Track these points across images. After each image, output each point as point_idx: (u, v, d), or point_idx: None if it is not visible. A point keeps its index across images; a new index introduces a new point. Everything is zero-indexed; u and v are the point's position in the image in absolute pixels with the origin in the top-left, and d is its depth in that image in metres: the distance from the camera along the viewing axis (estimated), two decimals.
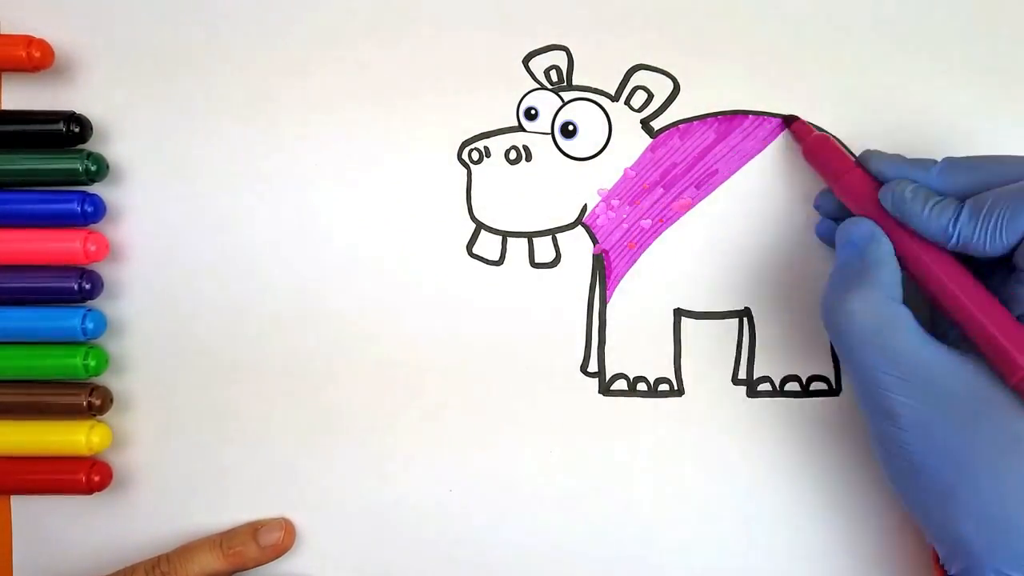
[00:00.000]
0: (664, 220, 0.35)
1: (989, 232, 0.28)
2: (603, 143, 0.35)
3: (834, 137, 0.34)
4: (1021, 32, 0.35)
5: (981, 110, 0.35)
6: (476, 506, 0.37)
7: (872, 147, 0.34)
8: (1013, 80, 0.35)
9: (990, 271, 0.30)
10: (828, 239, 0.34)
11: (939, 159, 0.31)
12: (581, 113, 0.35)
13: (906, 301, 0.30)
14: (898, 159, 0.31)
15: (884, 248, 0.30)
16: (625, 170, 0.35)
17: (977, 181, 0.29)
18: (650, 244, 0.36)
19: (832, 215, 0.34)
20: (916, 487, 0.29)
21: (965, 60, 0.35)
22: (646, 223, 0.35)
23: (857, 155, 0.33)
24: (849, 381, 0.35)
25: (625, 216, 0.36)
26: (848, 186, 0.32)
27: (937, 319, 0.32)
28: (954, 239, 0.28)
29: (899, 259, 0.30)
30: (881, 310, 0.29)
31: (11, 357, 0.35)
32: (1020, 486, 0.27)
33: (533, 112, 0.35)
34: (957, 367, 0.28)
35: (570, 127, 0.35)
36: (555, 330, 0.36)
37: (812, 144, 0.34)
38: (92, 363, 0.35)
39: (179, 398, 0.37)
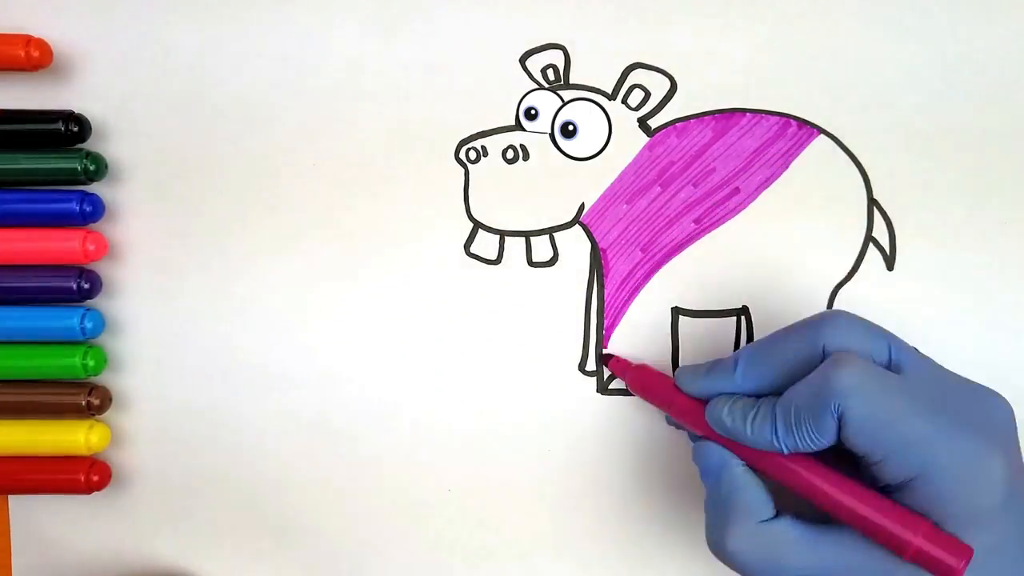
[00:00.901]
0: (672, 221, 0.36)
1: (806, 439, 0.27)
2: (603, 143, 0.35)
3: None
4: (1019, 30, 0.35)
5: (979, 108, 0.35)
6: (475, 505, 0.37)
7: (869, 146, 0.34)
8: (1011, 78, 0.35)
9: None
10: None
11: (738, 358, 0.30)
12: (581, 113, 0.35)
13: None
14: (701, 374, 0.31)
15: (736, 472, 0.30)
16: (623, 169, 0.35)
17: (777, 372, 0.29)
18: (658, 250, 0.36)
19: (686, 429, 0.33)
20: None
21: (963, 58, 0.35)
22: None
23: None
24: None
25: (622, 215, 0.36)
26: (680, 412, 0.32)
27: None
28: (784, 449, 0.28)
29: (757, 468, 0.30)
30: (757, 540, 0.29)
31: (10, 357, 0.35)
32: None
33: (533, 112, 0.35)
34: (853, 552, 0.28)
35: (570, 127, 0.35)
36: (553, 329, 0.36)
37: (633, 379, 0.34)
38: (91, 363, 0.35)
39: (178, 398, 0.37)
